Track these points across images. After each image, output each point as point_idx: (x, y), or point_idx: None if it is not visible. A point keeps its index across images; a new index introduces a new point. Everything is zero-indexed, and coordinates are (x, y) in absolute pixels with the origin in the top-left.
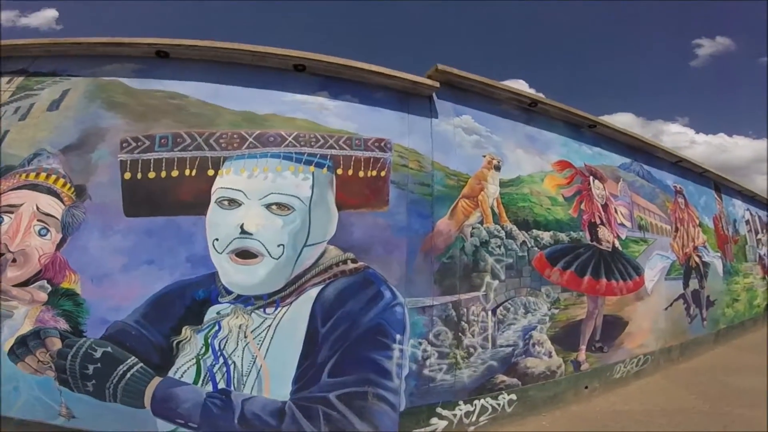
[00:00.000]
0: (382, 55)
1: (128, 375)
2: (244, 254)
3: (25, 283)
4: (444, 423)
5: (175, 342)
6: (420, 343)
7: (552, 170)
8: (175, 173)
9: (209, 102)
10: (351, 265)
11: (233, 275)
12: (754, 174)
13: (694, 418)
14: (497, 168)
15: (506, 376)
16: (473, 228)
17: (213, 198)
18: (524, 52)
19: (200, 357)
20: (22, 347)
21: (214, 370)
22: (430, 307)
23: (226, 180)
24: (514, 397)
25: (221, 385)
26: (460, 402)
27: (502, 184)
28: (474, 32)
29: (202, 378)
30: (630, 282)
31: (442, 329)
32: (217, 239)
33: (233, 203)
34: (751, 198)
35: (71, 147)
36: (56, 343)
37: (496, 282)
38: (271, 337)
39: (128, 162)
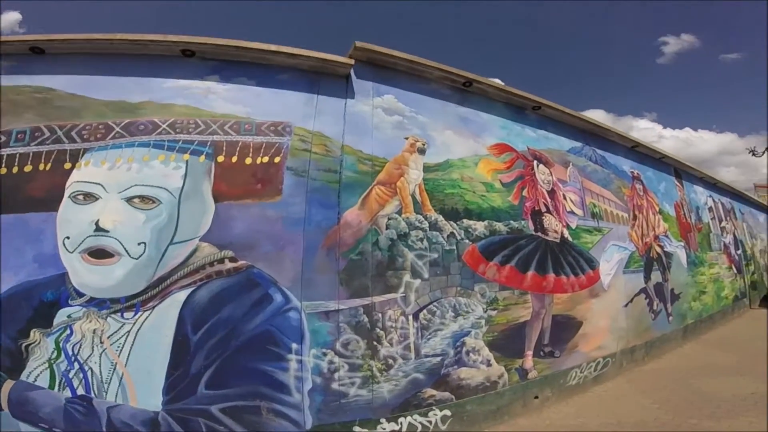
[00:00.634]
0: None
1: None
2: (99, 253)
3: None
4: None
5: (23, 345)
6: (324, 354)
7: (488, 154)
8: (28, 168)
9: (78, 94)
10: (229, 265)
11: (85, 276)
12: (719, 167)
13: None
14: (421, 151)
15: (436, 389)
16: (390, 219)
17: (66, 193)
18: (495, 53)
19: (53, 361)
20: None
21: (70, 376)
22: (335, 312)
23: (84, 173)
24: (448, 413)
25: (80, 391)
26: (382, 420)
27: (427, 168)
28: (445, 31)
29: (58, 383)
30: (583, 277)
31: (352, 337)
32: (68, 237)
33: (89, 198)
34: (712, 185)
35: None
36: None
37: (418, 281)
38: (132, 344)
39: None
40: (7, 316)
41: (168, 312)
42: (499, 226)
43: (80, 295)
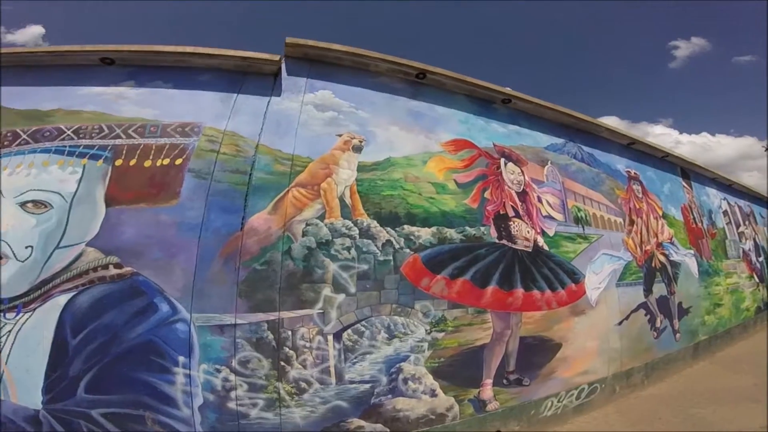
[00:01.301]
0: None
1: None
2: None
3: None
4: None
5: None
6: (218, 370)
7: (442, 151)
8: None
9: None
10: (113, 271)
11: None
12: (740, 171)
13: None
14: (357, 149)
15: (365, 420)
16: (308, 224)
17: None
18: (508, 60)
19: None
20: None
21: None
22: (231, 326)
23: None
24: None
25: None
26: None
27: (363, 168)
28: (459, 38)
29: None
30: (562, 292)
31: (253, 355)
32: None
33: None
34: (727, 187)
35: None
36: None
37: (341, 296)
38: (12, 343)
39: None
40: None
41: (48, 315)
42: (451, 233)
43: None
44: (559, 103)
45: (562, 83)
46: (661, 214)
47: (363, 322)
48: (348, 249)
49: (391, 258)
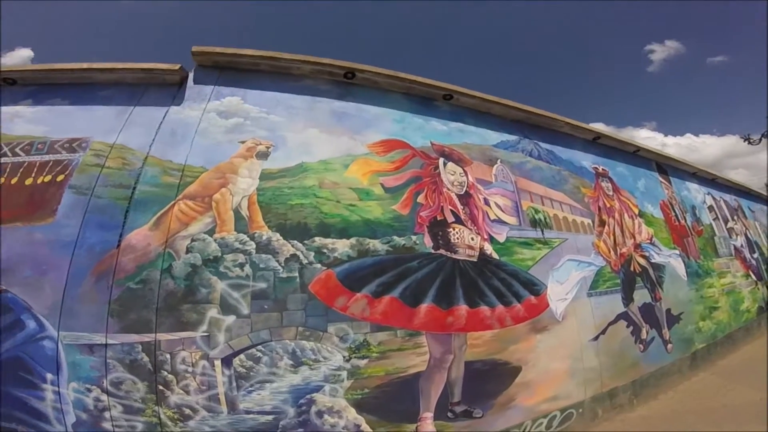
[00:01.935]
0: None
1: None
2: None
3: None
4: None
5: None
6: (89, 390)
7: (369, 153)
8: None
9: None
10: None
11: None
12: (727, 170)
13: None
14: (263, 155)
15: None
16: (194, 240)
17: None
18: (476, 65)
19: None
20: None
21: None
22: (101, 345)
23: None
24: None
25: None
26: None
27: (268, 176)
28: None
29: None
30: (518, 306)
31: (126, 377)
32: None
33: None
34: (710, 181)
35: None
36: None
37: (231, 318)
38: None
39: None
40: None
41: None
42: (375, 244)
43: None
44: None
45: (544, 93)
46: (637, 212)
47: (260, 347)
48: (241, 266)
49: (296, 275)
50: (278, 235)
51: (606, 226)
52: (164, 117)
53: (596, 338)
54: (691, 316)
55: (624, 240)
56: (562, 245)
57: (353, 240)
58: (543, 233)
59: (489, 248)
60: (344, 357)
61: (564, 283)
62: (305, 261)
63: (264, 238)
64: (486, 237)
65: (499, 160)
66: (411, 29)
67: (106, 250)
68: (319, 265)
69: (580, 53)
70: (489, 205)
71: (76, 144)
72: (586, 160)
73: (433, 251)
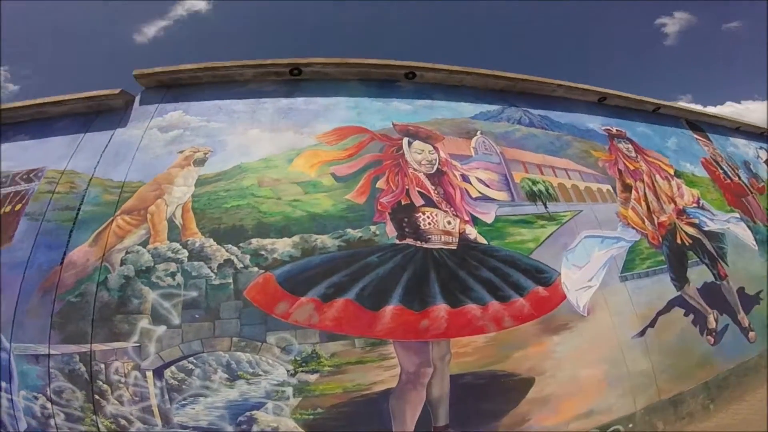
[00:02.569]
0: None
1: None
2: None
3: None
4: None
5: None
6: (36, 398)
7: (318, 143)
8: None
9: None
10: None
11: None
12: None
13: None
14: (200, 162)
15: None
16: (128, 252)
17: None
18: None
19: None
20: None
21: None
22: (45, 356)
23: None
24: None
25: None
26: None
27: (205, 181)
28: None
29: None
30: (520, 300)
31: (66, 386)
32: None
33: None
34: (758, 135)
35: None
36: None
37: (162, 329)
38: None
39: None
40: None
41: None
42: (323, 240)
43: None
44: None
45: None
46: (672, 172)
47: (191, 359)
48: (173, 275)
49: (230, 281)
50: (212, 240)
51: (634, 192)
52: (110, 140)
53: (642, 333)
54: None
55: (661, 206)
56: (575, 219)
57: (296, 238)
58: (546, 207)
59: (472, 232)
60: (288, 371)
61: (585, 267)
62: (240, 265)
63: (197, 245)
64: (467, 219)
65: (479, 132)
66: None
67: (52, 268)
68: (256, 269)
69: (595, 40)
70: (469, 182)
71: (33, 174)
72: (594, 123)
73: (398, 241)
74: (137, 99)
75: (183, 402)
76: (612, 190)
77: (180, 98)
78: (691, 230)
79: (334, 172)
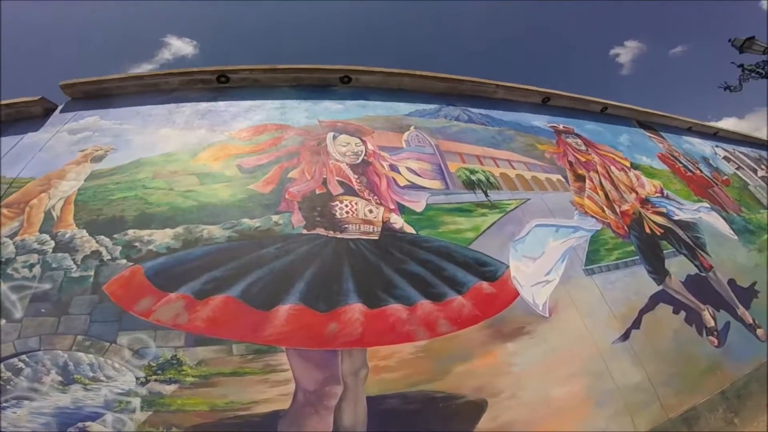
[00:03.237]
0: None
1: None
2: None
3: None
4: None
5: None
6: None
7: (231, 139)
8: None
9: None
10: None
11: None
12: None
13: None
14: (97, 159)
15: None
16: None
17: None
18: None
19: None
20: None
21: None
22: None
23: None
24: None
25: None
26: None
27: (99, 174)
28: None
29: None
30: (458, 299)
31: None
32: None
33: None
34: (712, 135)
35: None
36: None
37: (1, 323)
38: None
39: None
40: None
41: None
42: (211, 230)
43: None
44: None
45: None
46: (628, 165)
47: (24, 356)
48: (31, 266)
49: (91, 273)
50: (84, 231)
51: (588, 181)
52: (18, 143)
53: (625, 336)
54: None
55: (621, 195)
56: (522, 207)
57: (180, 229)
58: (487, 195)
59: (398, 221)
60: (138, 379)
61: (539, 260)
62: (107, 257)
63: (66, 236)
64: (393, 207)
65: (412, 127)
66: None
67: None
68: (124, 261)
69: (554, 72)
70: (398, 172)
71: None
72: (539, 121)
73: (305, 231)
74: (59, 108)
75: (4, 404)
76: (564, 180)
77: (102, 106)
78: (659, 219)
79: (240, 163)
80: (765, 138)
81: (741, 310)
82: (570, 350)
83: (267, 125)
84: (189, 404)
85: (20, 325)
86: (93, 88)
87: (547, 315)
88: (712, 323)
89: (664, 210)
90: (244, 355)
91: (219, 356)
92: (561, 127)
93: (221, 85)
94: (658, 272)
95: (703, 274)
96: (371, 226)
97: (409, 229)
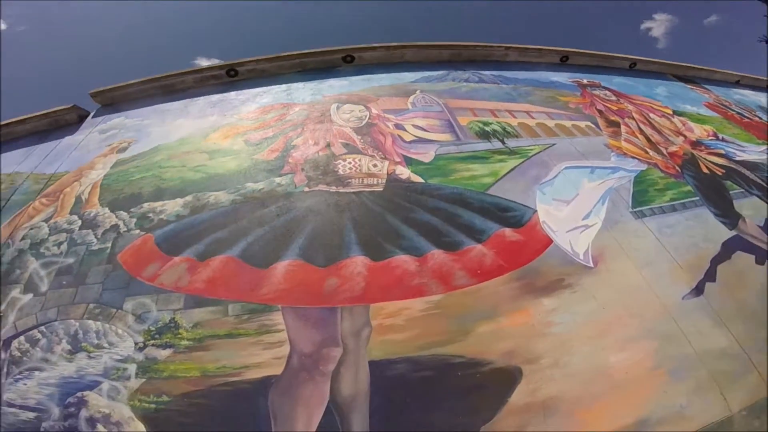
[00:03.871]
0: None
1: None
2: None
3: None
4: None
5: None
6: None
7: (240, 120)
8: None
9: None
10: None
11: None
12: None
13: None
14: (121, 150)
15: None
16: (32, 228)
17: None
18: None
19: None
20: None
21: None
22: None
23: None
24: None
25: None
26: None
27: (122, 162)
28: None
29: None
30: (477, 247)
31: None
32: None
33: None
34: (766, 88)
35: None
36: None
37: (28, 297)
38: None
39: None
40: None
41: None
42: (217, 196)
43: None
44: None
45: None
46: (671, 112)
47: (42, 328)
48: (59, 244)
49: (108, 245)
50: (107, 209)
51: (624, 126)
52: (56, 146)
53: (699, 291)
54: None
55: (666, 138)
56: (547, 151)
57: (189, 197)
58: (504, 143)
59: (404, 171)
60: (137, 344)
61: (573, 202)
62: (124, 229)
63: (91, 214)
64: (398, 160)
65: (418, 91)
66: None
67: None
68: (137, 231)
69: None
70: (404, 129)
71: None
72: (558, 77)
73: (307, 189)
74: (92, 114)
75: (18, 376)
76: (594, 125)
77: (126, 108)
78: (718, 160)
79: (247, 138)
80: None
81: None
82: (627, 308)
83: (274, 105)
84: (181, 370)
85: (44, 298)
86: (118, 93)
87: (592, 265)
88: None
89: (723, 152)
90: (239, 315)
91: (215, 317)
92: (585, 81)
93: (231, 78)
94: (728, 216)
95: None
96: (375, 179)
97: (417, 179)
